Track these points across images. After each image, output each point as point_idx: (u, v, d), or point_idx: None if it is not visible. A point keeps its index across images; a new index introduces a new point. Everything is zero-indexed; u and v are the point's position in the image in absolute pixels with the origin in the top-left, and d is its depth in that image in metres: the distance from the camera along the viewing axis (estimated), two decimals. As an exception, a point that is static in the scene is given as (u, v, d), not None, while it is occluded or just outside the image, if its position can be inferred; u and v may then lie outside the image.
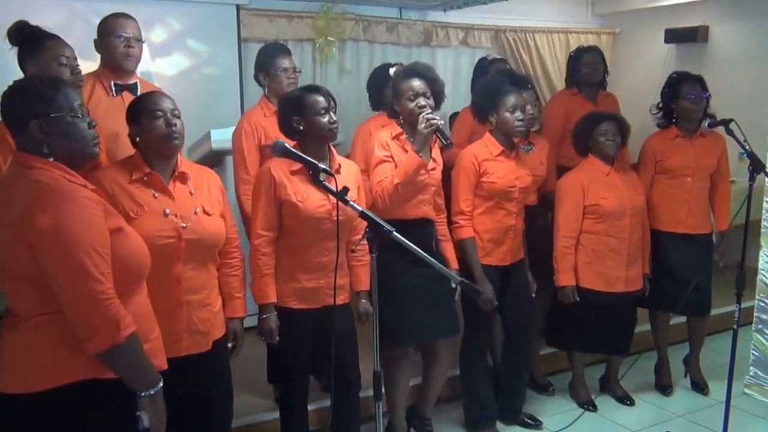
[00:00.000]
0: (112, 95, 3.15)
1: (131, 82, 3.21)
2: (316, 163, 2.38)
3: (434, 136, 3.06)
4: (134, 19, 3.22)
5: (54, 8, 4.46)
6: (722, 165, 4.07)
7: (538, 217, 4.00)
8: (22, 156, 1.94)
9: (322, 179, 2.43)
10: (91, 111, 2.87)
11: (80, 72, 2.84)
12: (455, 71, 6.54)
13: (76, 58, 2.82)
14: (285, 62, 3.61)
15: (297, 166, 2.74)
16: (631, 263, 3.82)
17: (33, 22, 4.16)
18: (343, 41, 5.92)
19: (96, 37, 3.21)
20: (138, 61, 3.24)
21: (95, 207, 1.90)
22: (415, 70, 3.20)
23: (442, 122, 3.06)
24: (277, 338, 2.85)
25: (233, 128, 3.69)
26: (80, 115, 1.99)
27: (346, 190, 2.34)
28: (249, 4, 5.38)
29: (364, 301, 3.08)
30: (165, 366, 2.17)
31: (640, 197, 3.86)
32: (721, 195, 4.12)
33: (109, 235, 1.90)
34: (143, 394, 1.95)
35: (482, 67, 4.73)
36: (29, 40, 2.75)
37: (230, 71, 5.27)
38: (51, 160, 1.93)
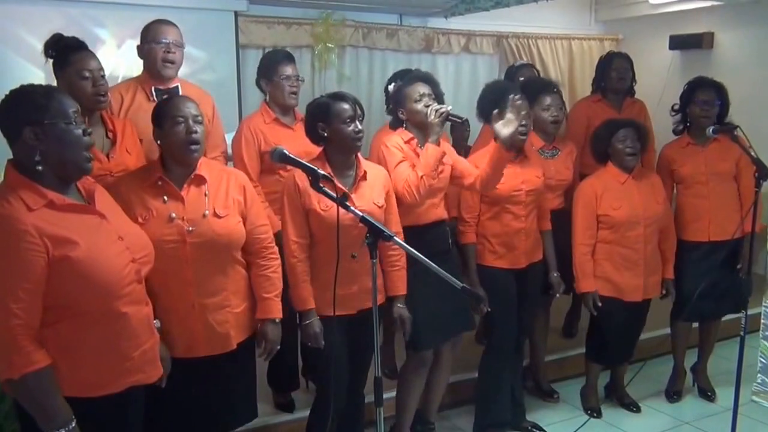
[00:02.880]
0: (153, 100, 3.17)
1: (172, 86, 3.27)
2: (315, 168, 2.34)
3: (449, 121, 3.15)
4: (176, 25, 3.30)
5: (49, 14, 4.38)
6: (742, 167, 3.90)
7: (563, 221, 3.92)
8: (7, 169, 1.97)
9: (322, 185, 2.37)
10: (132, 116, 3.08)
11: (104, 84, 2.88)
12: (456, 78, 6.53)
13: (101, 70, 2.86)
14: (288, 69, 3.57)
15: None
16: (650, 273, 3.73)
17: (28, 28, 4.20)
18: (342, 48, 5.89)
19: (138, 43, 3.30)
20: (179, 66, 3.30)
21: (29, 243, 1.88)
22: (417, 76, 3.29)
23: (450, 107, 3.11)
24: (323, 342, 2.83)
25: (232, 134, 3.64)
26: (74, 122, 2.00)
27: (345, 196, 2.30)
28: (247, 11, 5.35)
29: (400, 305, 3.05)
30: (151, 379, 2.20)
31: (659, 205, 3.74)
32: (744, 197, 3.96)
33: (41, 269, 1.89)
34: None
35: (510, 75, 4.77)
36: (59, 54, 2.82)
37: (228, 78, 5.24)
38: (39, 169, 1.94)
